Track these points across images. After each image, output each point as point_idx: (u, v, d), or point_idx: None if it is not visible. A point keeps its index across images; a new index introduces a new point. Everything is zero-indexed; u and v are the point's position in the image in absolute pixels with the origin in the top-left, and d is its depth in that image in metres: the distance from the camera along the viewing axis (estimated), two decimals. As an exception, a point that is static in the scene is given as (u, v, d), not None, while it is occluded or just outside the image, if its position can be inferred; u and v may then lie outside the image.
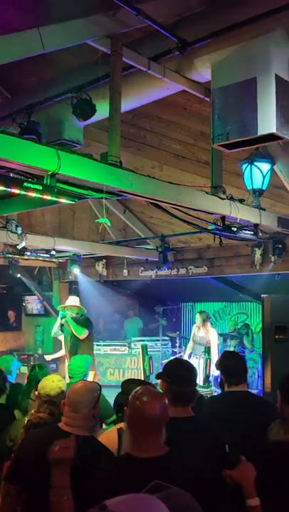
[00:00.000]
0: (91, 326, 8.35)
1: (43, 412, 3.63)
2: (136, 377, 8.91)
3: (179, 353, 11.27)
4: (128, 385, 3.71)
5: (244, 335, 11.19)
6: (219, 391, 8.94)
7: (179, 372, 3.04)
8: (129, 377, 10.93)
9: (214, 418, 3.44)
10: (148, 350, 9.10)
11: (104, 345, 12.00)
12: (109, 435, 3.33)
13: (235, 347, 10.76)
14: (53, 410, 3.71)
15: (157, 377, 3.17)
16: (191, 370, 3.13)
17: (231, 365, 3.68)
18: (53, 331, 8.61)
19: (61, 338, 8.79)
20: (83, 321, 8.27)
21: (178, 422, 2.83)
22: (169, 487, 1.47)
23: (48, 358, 9.84)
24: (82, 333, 8.07)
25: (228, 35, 4.12)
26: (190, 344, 10.05)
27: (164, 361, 11.00)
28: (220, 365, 3.73)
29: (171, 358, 10.24)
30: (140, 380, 5.09)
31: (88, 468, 2.50)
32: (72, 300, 8.59)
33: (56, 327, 8.48)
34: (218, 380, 3.81)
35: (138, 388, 2.50)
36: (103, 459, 2.71)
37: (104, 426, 4.85)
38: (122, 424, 3.46)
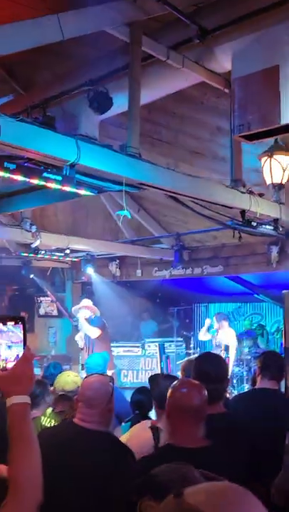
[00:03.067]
0: (104, 325, 8.33)
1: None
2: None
3: (194, 353, 11.13)
4: (156, 378, 3.59)
5: (259, 335, 11.06)
6: (235, 392, 8.77)
7: (205, 370, 2.93)
8: (143, 380, 10.87)
9: (240, 415, 3.33)
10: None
11: (118, 346, 11.87)
12: (141, 433, 3.22)
13: (250, 347, 10.62)
14: (69, 406, 3.63)
15: None
16: (218, 367, 3.00)
17: (271, 359, 3.60)
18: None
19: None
20: (95, 321, 8.26)
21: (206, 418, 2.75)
22: (215, 477, 1.38)
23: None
24: (95, 333, 8.06)
25: (248, 22, 4.03)
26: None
27: (179, 362, 10.89)
28: (259, 361, 3.64)
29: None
30: (168, 374, 5.00)
31: (107, 463, 2.41)
32: (85, 302, 8.60)
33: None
34: (251, 376, 3.71)
35: (178, 380, 2.55)
36: (126, 455, 2.62)
37: (122, 424, 4.77)
38: (152, 422, 3.36)
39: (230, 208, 5.24)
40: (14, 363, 1.55)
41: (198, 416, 2.34)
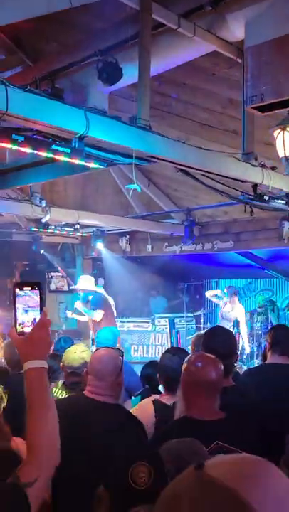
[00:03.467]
0: (104, 303, 8.13)
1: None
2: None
3: (204, 329, 11.14)
4: (164, 353, 3.59)
5: (270, 311, 11.03)
6: (245, 367, 8.80)
7: (213, 344, 2.90)
8: (153, 355, 10.93)
9: (251, 389, 3.31)
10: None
11: (128, 321, 11.93)
12: (144, 408, 3.22)
13: (261, 323, 10.61)
14: (77, 381, 3.64)
15: None
16: (227, 342, 2.99)
17: (282, 334, 3.55)
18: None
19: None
20: (95, 303, 8.04)
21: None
22: (231, 449, 1.38)
23: (69, 314, 9.56)
24: (98, 316, 7.85)
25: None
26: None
27: (189, 337, 10.91)
28: (269, 336, 3.60)
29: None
30: (179, 348, 5.01)
31: (116, 435, 2.43)
32: (84, 283, 8.41)
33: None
34: (262, 351, 3.68)
35: (192, 354, 2.57)
36: (136, 427, 2.63)
37: (132, 398, 4.79)
38: (155, 397, 3.36)
39: (242, 181, 5.15)
40: (31, 327, 1.55)
41: (214, 389, 2.34)
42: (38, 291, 1.59)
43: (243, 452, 1.41)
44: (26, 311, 1.58)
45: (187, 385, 2.38)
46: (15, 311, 1.57)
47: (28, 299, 1.59)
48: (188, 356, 2.52)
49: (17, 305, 1.58)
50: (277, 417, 2.87)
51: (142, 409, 3.30)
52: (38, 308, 1.58)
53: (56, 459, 1.47)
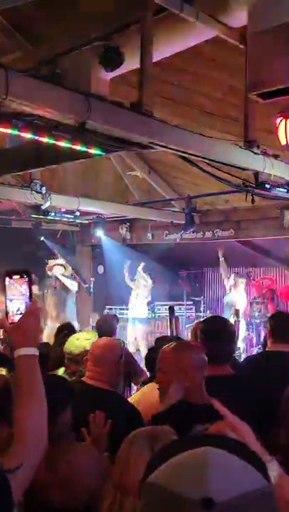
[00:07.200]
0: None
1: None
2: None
3: (204, 317, 11.16)
4: (162, 341, 3.60)
5: (270, 300, 11.05)
6: (244, 355, 8.82)
7: (214, 329, 2.96)
8: (153, 343, 10.95)
9: (252, 377, 3.33)
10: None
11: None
12: (147, 396, 3.22)
13: (260, 311, 10.64)
14: (76, 369, 3.65)
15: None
16: (226, 327, 3.04)
17: (282, 321, 3.56)
18: None
19: None
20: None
21: (214, 381, 2.73)
22: None
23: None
24: (75, 287, 9.21)
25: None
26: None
27: (188, 325, 10.94)
28: (269, 324, 3.61)
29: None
30: (175, 336, 5.02)
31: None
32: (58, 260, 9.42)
33: None
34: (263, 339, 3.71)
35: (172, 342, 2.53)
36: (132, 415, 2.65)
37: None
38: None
39: (243, 169, 5.13)
40: (20, 316, 1.57)
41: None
42: (27, 279, 1.61)
43: None
44: (15, 300, 1.60)
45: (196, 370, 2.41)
46: (6, 300, 1.60)
47: (16, 288, 1.61)
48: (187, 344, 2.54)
49: (7, 293, 1.60)
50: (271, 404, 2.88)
51: (146, 397, 3.30)
52: (27, 297, 1.60)
53: (42, 448, 1.49)
